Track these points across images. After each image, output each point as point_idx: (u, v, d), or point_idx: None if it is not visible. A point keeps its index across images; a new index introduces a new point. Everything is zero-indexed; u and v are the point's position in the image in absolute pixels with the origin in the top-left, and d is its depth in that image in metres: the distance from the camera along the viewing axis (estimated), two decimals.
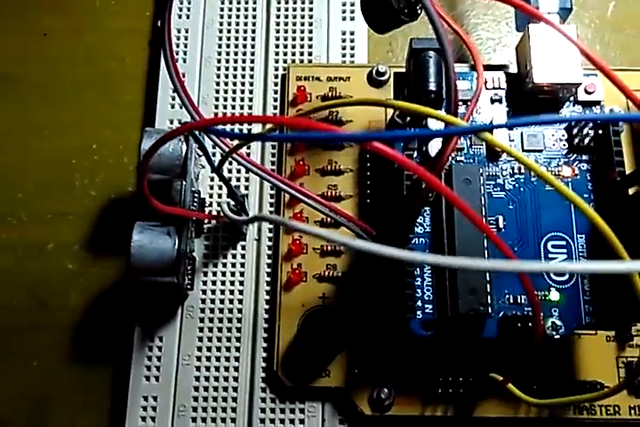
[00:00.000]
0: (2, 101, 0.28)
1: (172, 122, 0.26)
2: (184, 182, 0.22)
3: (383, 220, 0.22)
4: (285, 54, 0.27)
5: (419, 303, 0.19)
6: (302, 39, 0.27)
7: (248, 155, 0.25)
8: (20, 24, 0.30)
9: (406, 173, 0.20)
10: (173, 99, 0.26)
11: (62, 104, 0.28)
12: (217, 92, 0.27)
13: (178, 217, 0.22)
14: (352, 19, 0.28)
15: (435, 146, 0.20)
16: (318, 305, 0.23)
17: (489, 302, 0.18)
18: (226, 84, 0.27)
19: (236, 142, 0.19)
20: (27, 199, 0.27)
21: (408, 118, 0.22)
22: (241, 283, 0.24)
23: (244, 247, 0.24)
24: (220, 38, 0.27)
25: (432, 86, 0.21)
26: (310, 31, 0.27)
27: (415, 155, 0.21)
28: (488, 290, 0.18)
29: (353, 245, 0.11)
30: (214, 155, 0.24)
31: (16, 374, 0.24)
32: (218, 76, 0.27)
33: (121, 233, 0.26)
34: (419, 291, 0.19)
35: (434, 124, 0.21)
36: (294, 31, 0.27)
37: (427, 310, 0.19)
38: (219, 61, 0.27)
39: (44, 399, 0.24)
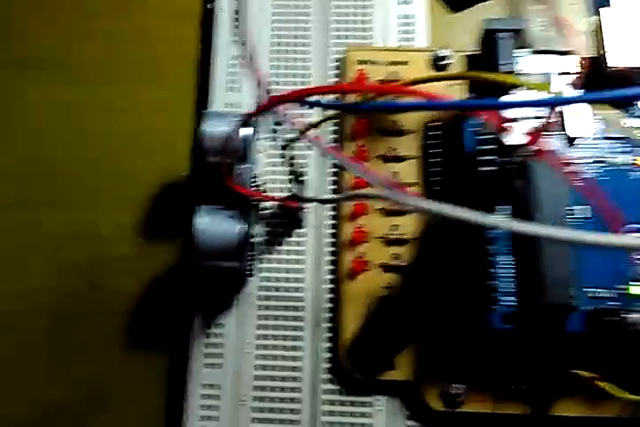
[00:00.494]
0: (50, 82, 0.28)
1: (226, 106, 0.25)
2: (247, 166, 0.21)
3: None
4: (343, 38, 0.26)
5: (498, 295, 0.19)
6: (360, 22, 0.26)
7: None
8: (69, 4, 0.29)
9: (480, 159, 0.19)
10: (228, 82, 0.26)
11: (114, 86, 0.27)
12: (274, 76, 0.26)
13: (240, 202, 0.21)
14: (410, 2, 0.27)
15: (508, 135, 0.20)
16: (384, 295, 0.22)
17: (576, 294, 0.18)
18: (283, 67, 0.26)
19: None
20: (79, 181, 0.26)
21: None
22: (300, 271, 0.23)
23: (302, 235, 0.24)
24: (275, 21, 0.27)
25: (507, 68, 0.20)
26: (368, 15, 0.26)
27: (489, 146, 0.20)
28: (575, 282, 0.18)
29: (489, 223, 0.11)
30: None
31: (70, 361, 0.24)
32: (274, 60, 0.26)
33: (175, 217, 0.25)
34: (499, 282, 0.19)
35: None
36: (352, 15, 0.26)
37: (507, 303, 0.19)
38: (273, 45, 0.26)
39: (98, 386, 0.23)
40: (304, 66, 0.26)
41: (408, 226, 0.23)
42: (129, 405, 0.23)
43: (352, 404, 0.21)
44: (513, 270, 0.19)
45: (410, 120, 0.24)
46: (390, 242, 0.23)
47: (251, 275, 0.22)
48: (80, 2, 0.29)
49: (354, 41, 0.26)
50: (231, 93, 0.25)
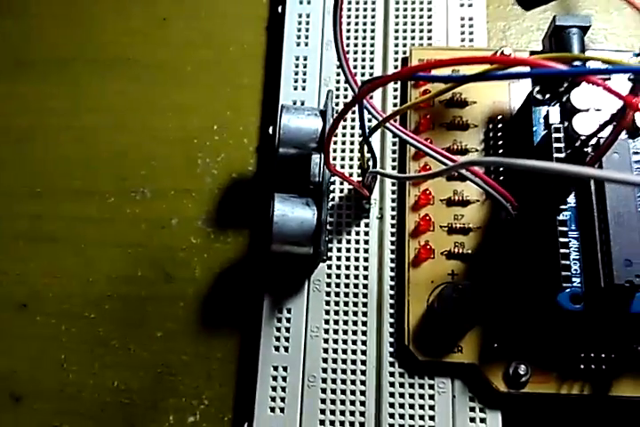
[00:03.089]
0: (125, 83, 0.29)
1: (295, 102, 0.27)
2: (322, 156, 0.22)
3: (524, 193, 0.22)
4: (405, 38, 0.27)
5: (568, 277, 0.19)
6: (421, 24, 0.27)
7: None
8: (140, 9, 0.31)
9: (555, 146, 0.20)
10: (296, 81, 0.27)
11: (183, 86, 0.29)
12: (337, 74, 0.27)
13: (311, 191, 0.22)
14: (470, 5, 0.28)
15: (579, 123, 0.20)
16: (448, 282, 0.23)
17: None
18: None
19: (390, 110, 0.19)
20: (150, 176, 0.27)
21: (547, 95, 0.22)
22: (365, 259, 0.24)
23: (367, 225, 0.25)
24: (333, 27, 0.28)
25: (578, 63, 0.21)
26: (429, 16, 0.28)
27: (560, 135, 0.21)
28: None
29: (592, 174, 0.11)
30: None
31: (141, 345, 0.25)
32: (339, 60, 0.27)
33: (241, 210, 0.26)
34: (570, 263, 0.19)
35: (577, 99, 0.21)
36: (413, 16, 0.28)
37: (574, 284, 0.19)
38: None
39: (169, 369, 0.24)
40: (370, 65, 0.27)
41: (471, 215, 0.23)
42: (198, 387, 0.24)
43: (416, 386, 0.22)
44: (582, 251, 0.20)
45: (473, 115, 0.25)
46: (453, 231, 0.23)
47: (324, 260, 0.23)
48: (154, 9, 0.30)
49: (416, 41, 0.27)
50: (299, 92, 0.27)
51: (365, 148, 0.21)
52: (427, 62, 0.14)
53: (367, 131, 0.20)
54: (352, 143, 0.26)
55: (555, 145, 0.20)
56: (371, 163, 0.22)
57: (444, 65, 0.14)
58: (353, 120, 0.26)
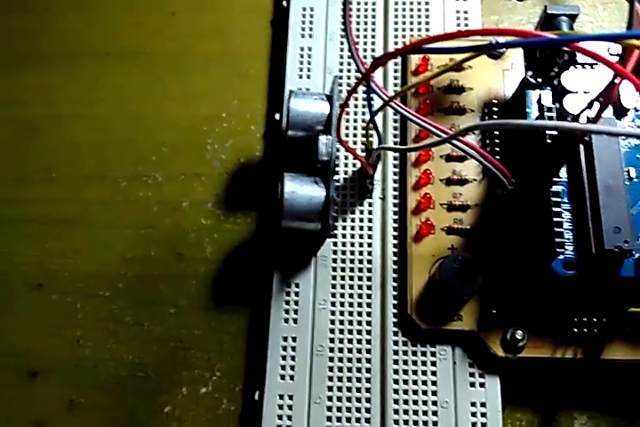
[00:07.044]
0: (136, 74, 0.30)
1: (300, 89, 0.28)
2: (330, 136, 0.24)
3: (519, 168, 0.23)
4: (404, 30, 0.29)
5: (562, 244, 0.21)
6: (419, 17, 0.29)
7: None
8: (150, 4, 0.32)
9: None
10: (301, 70, 0.28)
11: (193, 76, 0.30)
12: (341, 64, 0.29)
13: (318, 170, 0.24)
14: None
15: (570, 103, 0.22)
16: (448, 255, 0.24)
17: (631, 240, 0.20)
18: (349, 56, 0.29)
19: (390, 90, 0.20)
20: (161, 161, 0.29)
21: (540, 80, 0.23)
22: (369, 236, 0.25)
23: (370, 204, 0.26)
24: (343, 16, 0.29)
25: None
26: (427, 10, 0.29)
27: (552, 114, 0.22)
28: (631, 228, 0.20)
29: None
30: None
31: (155, 321, 0.26)
32: (341, 50, 0.29)
33: (249, 193, 0.28)
34: (563, 231, 0.21)
35: (567, 81, 0.22)
36: (412, 9, 0.29)
37: (567, 251, 0.21)
38: (342, 37, 0.29)
39: (181, 344, 0.26)
40: (371, 55, 0.28)
41: (469, 194, 0.25)
42: (210, 360, 0.25)
43: (419, 353, 0.23)
44: (574, 221, 0.21)
45: (470, 100, 0.26)
46: (453, 208, 0.25)
47: (331, 236, 0.24)
48: (163, 3, 0.32)
49: (415, 33, 0.29)
50: (304, 80, 0.28)
51: (371, 127, 0.22)
52: (430, 36, 0.16)
53: (373, 111, 0.21)
54: (355, 128, 0.27)
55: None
56: (375, 142, 0.23)
57: (444, 38, 0.16)
58: (356, 106, 0.27)
